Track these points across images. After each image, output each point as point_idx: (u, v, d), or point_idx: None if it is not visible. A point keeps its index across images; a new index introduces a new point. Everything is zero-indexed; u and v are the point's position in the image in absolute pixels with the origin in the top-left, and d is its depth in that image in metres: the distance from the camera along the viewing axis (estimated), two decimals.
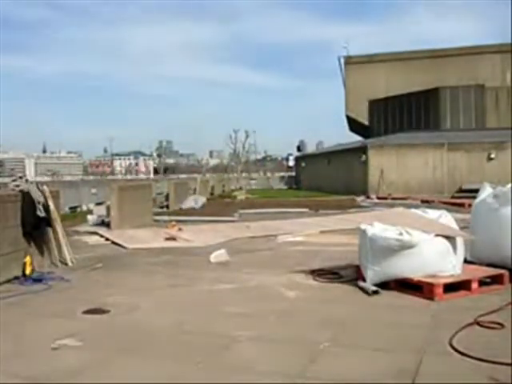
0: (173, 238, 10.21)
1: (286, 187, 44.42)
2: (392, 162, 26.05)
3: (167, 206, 18.69)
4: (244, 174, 57.81)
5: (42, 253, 7.52)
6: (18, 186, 7.42)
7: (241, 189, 36.32)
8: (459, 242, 5.91)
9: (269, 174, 66.48)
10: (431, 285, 5.39)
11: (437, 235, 5.77)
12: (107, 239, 10.41)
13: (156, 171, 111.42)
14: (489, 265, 6.21)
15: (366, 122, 38.27)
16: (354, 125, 41.71)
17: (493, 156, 24.79)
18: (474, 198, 7.34)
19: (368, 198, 23.75)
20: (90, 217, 13.42)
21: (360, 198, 22.94)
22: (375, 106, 36.86)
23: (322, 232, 10.95)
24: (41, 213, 7.34)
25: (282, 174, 62.30)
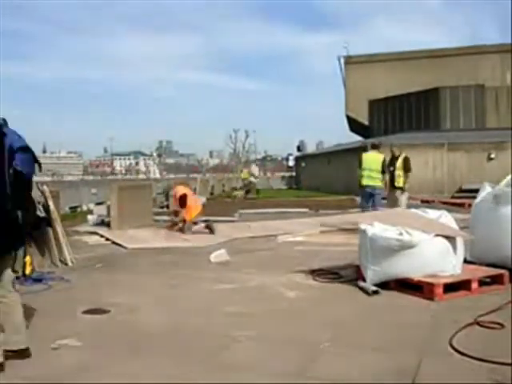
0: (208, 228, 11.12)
1: (286, 187, 44.41)
2: None
3: (167, 206, 18.69)
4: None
5: (42, 253, 7.52)
6: None
7: (241, 188, 36.33)
8: (459, 242, 5.91)
9: (269, 174, 66.48)
10: (431, 285, 5.39)
11: (437, 235, 5.77)
12: (107, 239, 10.41)
13: None
14: (489, 265, 6.20)
15: (366, 122, 38.26)
16: (354, 125, 41.70)
17: (493, 156, 24.76)
18: (474, 197, 7.33)
19: None
20: (90, 217, 13.42)
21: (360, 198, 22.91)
22: (375, 105, 36.83)
23: (322, 232, 10.95)
24: (41, 213, 7.34)
25: (283, 173, 62.30)
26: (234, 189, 34.63)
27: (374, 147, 11.69)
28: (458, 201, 18.82)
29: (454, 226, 6.22)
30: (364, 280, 5.88)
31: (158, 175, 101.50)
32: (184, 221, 11.28)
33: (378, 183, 11.17)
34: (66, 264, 7.67)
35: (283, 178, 53.31)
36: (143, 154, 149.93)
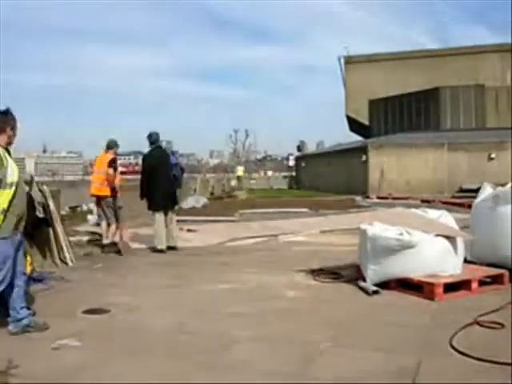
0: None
1: (286, 187, 44.37)
2: (392, 162, 26.02)
3: None
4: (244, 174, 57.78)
5: (42, 253, 7.51)
6: None
7: (241, 188, 36.33)
8: (459, 241, 5.91)
9: (269, 174, 66.44)
10: (431, 285, 5.39)
11: (437, 235, 5.77)
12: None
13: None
14: (489, 265, 6.21)
15: (366, 122, 38.25)
16: (354, 125, 41.69)
17: (493, 156, 24.77)
18: (474, 197, 7.34)
19: (368, 197, 23.75)
20: (90, 217, 13.41)
21: (360, 198, 22.94)
22: (375, 105, 36.83)
23: (322, 232, 10.96)
24: (40, 213, 7.32)
25: (283, 173, 62.22)
26: (234, 189, 34.63)
27: None
28: (458, 201, 18.83)
29: (454, 225, 6.23)
30: (364, 280, 5.88)
31: None
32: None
33: None
34: (67, 264, 7.66)
35: (285, 177, 53.16)
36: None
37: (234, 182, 36.97)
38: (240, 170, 34.61)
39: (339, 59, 39.92)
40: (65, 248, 7.77)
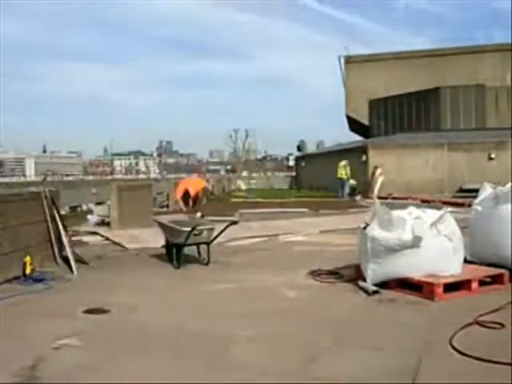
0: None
1: (286, 187, 44.36)
2: (392, 162, 26.00)
3: (167, 206, 18.70)
4: (244, 174, 57.92)
5: (42, 252, 7.51)
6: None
7: (241, 189, 36.38)
8: (460, 241, 5.91)
9: (269, 174, 66.51)
10: (431, 284, 5.39)
11: (438, 235, 5.77)
12: (107, 239, 10.41)
13: None
14: (489, 264, 6.21)
15: (366, 122, 38.23)
16: (354, 125, 41.68)
17: (493, 156, 24.77)
18: (474, 197, 7.34)
19: (368, 197, 23.73)
20: (90, 217, 13.43)
21: (360, 198, 22.95)
22: (375, 105, 36.81)
23: (322, 232, 10.96)
24: None
25: (283, 173, 62.28)
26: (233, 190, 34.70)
27: None
28: (459, 200, 18.81)
29: (455, 226, 6.21)
30: (364, 280, 5.87)
31: (158, 175, 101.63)
32: None
33: None
34: (68, 264, 7.65)
35: (287, 177, 53.13)
36: (143, 154, 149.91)
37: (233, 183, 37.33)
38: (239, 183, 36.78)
39: (339, 59, 39.92)
40: (66, 248, 7.77)
